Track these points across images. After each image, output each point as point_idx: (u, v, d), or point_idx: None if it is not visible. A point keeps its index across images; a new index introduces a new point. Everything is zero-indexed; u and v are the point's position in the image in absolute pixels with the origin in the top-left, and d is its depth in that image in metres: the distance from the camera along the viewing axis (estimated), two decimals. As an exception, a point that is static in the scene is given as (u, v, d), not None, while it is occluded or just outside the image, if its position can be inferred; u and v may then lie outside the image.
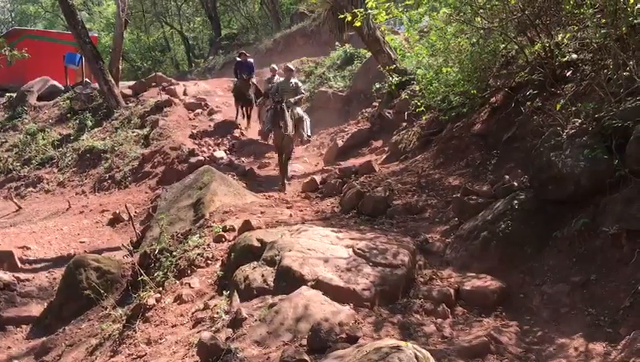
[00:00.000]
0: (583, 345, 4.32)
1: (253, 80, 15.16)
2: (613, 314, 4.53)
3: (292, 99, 11.28)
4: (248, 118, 15.43)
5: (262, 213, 8.07)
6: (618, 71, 5.78)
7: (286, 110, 10.73)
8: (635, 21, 5.50)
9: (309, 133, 11.97)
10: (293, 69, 12.93)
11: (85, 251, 9.86)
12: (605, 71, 6.06)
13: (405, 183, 8.34)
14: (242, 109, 15.56)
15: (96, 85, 18.18)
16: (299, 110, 11.64)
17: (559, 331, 4.65)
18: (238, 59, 15.56)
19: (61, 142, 16.61)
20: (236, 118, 15.81)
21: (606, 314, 4.59)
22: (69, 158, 15.69)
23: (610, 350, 4.16)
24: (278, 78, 13.16)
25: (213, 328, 5.26)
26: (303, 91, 12.08)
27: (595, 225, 5.24)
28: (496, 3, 7.97)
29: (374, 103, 13.88)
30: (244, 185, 10.81)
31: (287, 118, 10.67)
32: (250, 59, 15.75)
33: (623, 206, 5.06)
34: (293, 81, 11.87)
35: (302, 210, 8.41)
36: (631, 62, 5.40)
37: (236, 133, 15.26)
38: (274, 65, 14.43)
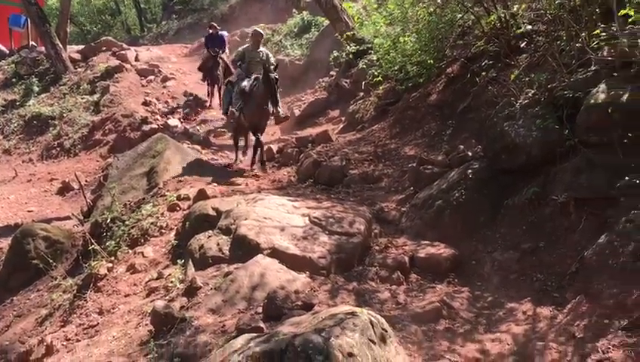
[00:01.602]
0: (531, 309, 4.47)
1: (224, 55, 13.86)
2: (560, 279, 4.68)
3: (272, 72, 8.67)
4: (216, 94, 14.25)
5: (217, 181, 7.98)
6: (571, 42, 5.88)
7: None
8: (589, -7, 5.60)
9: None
10: (264, 34, 10.40)
11: (33, 220, 9.56)
12: (558, 42, 6.15)
13: (362, 153, 8.36)
14: (209, 86, 14.61)
15: (43, 49, 17.43)
16: None
17: (508, 296, 4.78)
18: (210, 31, 14.46)
19: (6, 108, 15.88)
20: (208, 96, 14.86)
21: (553, 280, 4.74)
22: (15, 125, 15.06)
23: (557, 314, 4.31)
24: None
25: (167, 297, 5.23)
26: (273, 63, 9.45)
27: (545, 193, 5.37)
28: (454, -28, 7.98)
29: (331, 72, 13.78)
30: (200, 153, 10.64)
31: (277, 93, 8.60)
32: (223, 32, 14.78)
33: (572, 175, 5.20)
34: (264, 50, 9.68)
35: (258, 179, 8.34)
36: (583, 34, 5.50)
37: (190, 100, 14.95)
38: (257, 29, 10.23)
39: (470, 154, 6.59)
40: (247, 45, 9.80)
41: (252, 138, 9.41)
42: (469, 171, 6.11)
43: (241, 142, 9.87)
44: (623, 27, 5.09)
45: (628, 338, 3.61)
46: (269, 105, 8.61)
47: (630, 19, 4.90)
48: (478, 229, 5.72)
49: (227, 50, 14.35)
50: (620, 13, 4.88)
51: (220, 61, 13.65)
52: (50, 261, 7.14)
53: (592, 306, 4.02)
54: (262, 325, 4.16)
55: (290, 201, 6.38)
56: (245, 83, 8.96)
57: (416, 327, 4.28)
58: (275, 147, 9.95)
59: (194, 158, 9.44)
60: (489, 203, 5.83)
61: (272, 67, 8.62)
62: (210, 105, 14.68)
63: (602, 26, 5.22)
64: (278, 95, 8.58)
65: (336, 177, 7.75)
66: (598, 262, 4.28)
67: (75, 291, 6.29)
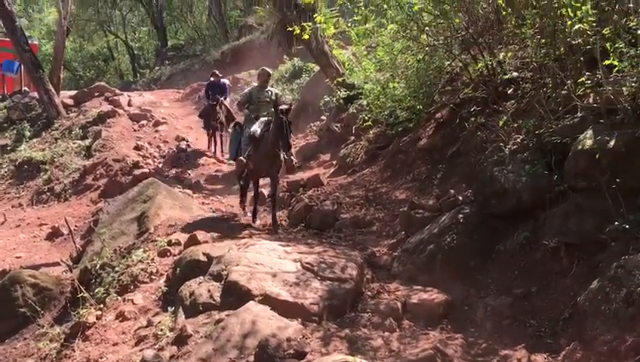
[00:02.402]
0: (525, 357, 4.42)
1: (226, 102, 13.87)
2: (554, 325, 4.66)
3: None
4: (219, 144, 14.08)
5: (209, 226, 7.94)
6: (557, 89, 6.00)
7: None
8: (573, 42, 5.73)
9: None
10: (271, 73, 9.78)
11: (21, 267, 9.43)
12: (545, 89, 6.27)
13: (353, 197, 8.39)
14: (212, 135, 14.32)
15: (36, 94, 17.57)
16: None
17: (502, 343, 4.74)
18: (211, 79, 14.32)
19: (-3, 152, 15.93)
20: (209, 146, 14.58)
21: (547, 326, 4.72)
22: (6, 169, 15.04)
23: (552, 361, 4.27)
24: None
25: (156, 346, 5.14)
26: (283, 103, 8.66)
27: (535, 238, 5.39)
28: (442, 21, 8.18)
29: (322, 117, 13.93)
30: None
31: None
32: (224, 80, 14.71)
33: (562, 220, 5.24)
34: (272, 89, 8.96)
35: (250, 223, 8.32)
36: (569, 82, 5.61)
37: (183, 145, 15.00)
38: (265, 68, 9.26)
39: (460, 198, 6.62)
40: (254, 85, 9.15)
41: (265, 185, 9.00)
42: (460, 216, 6.13)
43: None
44: (608, 75, 5.22)
45: (623, 386, 3.58)
46: (281, 151, 7.81)
47: (615, 69, 5.03)
48: (470, 274, 5.71)
49: (228, 98, 14.29)
50: (604, 63, 5.01)
51: (222, 108, 13.51)
52: (38, 308, 7.03)
53: (587, 353, 4.00)
54: (253, 375, 4.10)
55: (282, 246, 6.36)
56: (255, 127, 8.07)
57: (410, 376, 4.22)
58: (266, 191, 9.96)
59: (185, 202, 9.41)
60: (480, 247, 5.83)
61: (285, 108, 7.64)
62: (210, 152, 14.48)
63: (587, 73, 5.35)
64: (290, 140, 7.81)
65: (328, 221, 7.75)
66: (591, 307, 4.27)
67: (62, 340, 6.18)
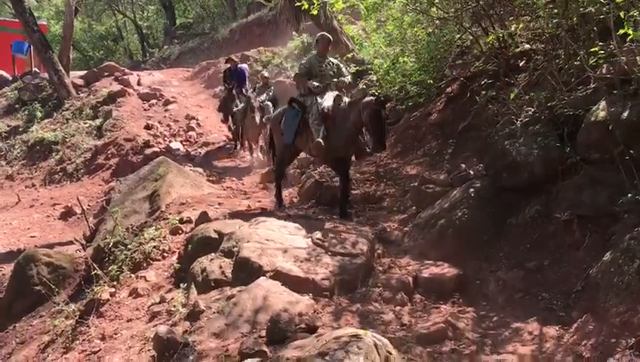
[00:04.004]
0: (537, 329, 4.42)
1: (245, 90, 12.58)
2: (566, 298, 4.65)
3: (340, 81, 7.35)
4: (241, 140, 12.73)
5: (219, 204, 7.98)
6: (569, 61, 5.90)
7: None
8: (586, 11, 5.62)
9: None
10: (331, 38, 7.88)
11: (36, 246, 9.54)
12: (557, 61, 6.17)
13: (364, 173, 8.36)
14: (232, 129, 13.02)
15: (46, 75, 17.58)
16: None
17: (514, 316, 4.74)
18: (227, 65, 13.23)
19: (9, 133, 16.01)
20: (235, 143, 13.12)
21: (559, 299, 4.71)
22: (18, 150, 15.16)
23: (563, 333, 4.26)
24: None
25: (170, 321, 5.19)
26: (347, 75, 7.61)
27: (548, 211, 5.36)
28: (452, -7, 8.06)
29: (332, 93, 13.81)
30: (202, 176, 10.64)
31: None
32: (243, 65, 13.48)
33: (574, 193, 5.20)
34: (334, 60, 7.65)
35: (260, 201, 8.33)
36: (581, 52, 5.51)
37: (192, 123, 14.97)
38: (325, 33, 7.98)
39: (472, 172, 6.58)
40: (312, 54, 7.77)
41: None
42: (471, 190, 6.09)
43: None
44: (621, 45, 5.12)
45: (636, 358, 3.56)
46: (363, 139, 6.90)
47: (629, 38, 4.92)
48: (481, 248, 5.69)
49: (248, 85, 13.05)
50: (618, 32, 4.90)
51: (241, 99, 12.37)
52: (53, 286, 7.11)
53: (599, 325, 3.99)
54: (265, 349, 4.13)
55: (293, 223, 6.37)
56: (327, 103, 6.98)
57: (422, 349, 4.22)
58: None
59: (196, 180, 9.43)
60: (492, 221, 5.80)
61: (380, 98, 6.50)
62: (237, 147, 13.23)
63: (600, 43, 5.24)
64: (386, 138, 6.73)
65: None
66: (604, 280, 4.26)
67: (77, 317, 6.25)
